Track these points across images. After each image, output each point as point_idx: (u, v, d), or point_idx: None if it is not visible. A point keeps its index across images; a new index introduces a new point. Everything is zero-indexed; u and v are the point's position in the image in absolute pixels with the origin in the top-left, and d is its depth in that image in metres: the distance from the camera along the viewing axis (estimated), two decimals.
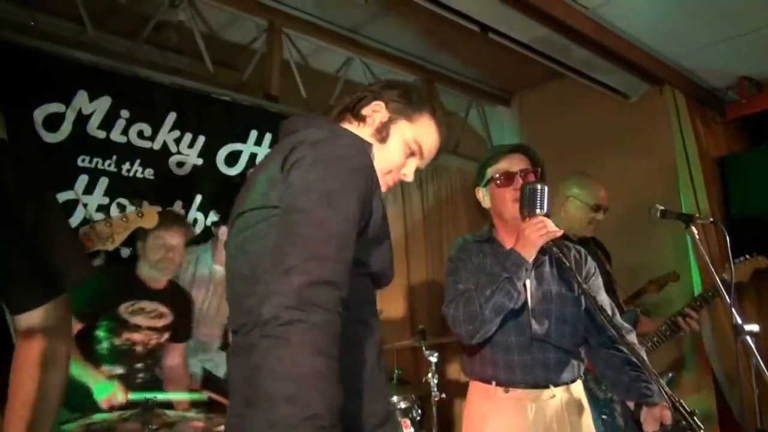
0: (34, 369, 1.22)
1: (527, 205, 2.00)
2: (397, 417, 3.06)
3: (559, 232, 1.99)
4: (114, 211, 3.12)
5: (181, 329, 3.07)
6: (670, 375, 3.35)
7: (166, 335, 2.98)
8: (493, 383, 2.12)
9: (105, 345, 2.79)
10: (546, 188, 1.99)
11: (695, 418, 1.56)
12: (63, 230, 1.32)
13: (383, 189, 1.48)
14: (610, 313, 2.05)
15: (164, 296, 2.96)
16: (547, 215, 2.01)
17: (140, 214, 2.42)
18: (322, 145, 1.26)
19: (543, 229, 1.96)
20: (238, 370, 1.26)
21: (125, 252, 2.90)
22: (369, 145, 1.37)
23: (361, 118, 1.53)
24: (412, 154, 1.55)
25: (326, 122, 1.51)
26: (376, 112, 1.53)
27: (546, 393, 2.09)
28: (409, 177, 1.57)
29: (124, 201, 3.18)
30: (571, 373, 2.15)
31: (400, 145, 1.53)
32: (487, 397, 2.13)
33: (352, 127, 1.52)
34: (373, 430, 1.24)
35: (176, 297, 3.04)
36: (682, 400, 1.59)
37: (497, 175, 2.19)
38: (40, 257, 1.23)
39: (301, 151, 1.25)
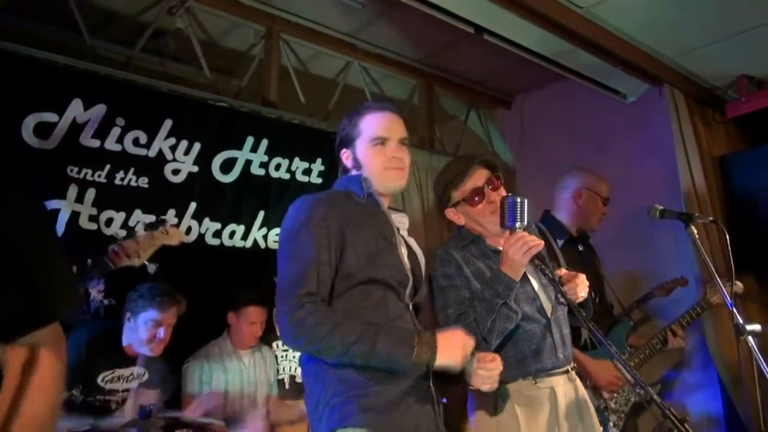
0: (34, 393, 1.18)
1: (507, 219, 2.02)
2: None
3: (541, 245, 2.01)
4: (102, 222, 3.12)
5: (154, 381, 3.03)
6: (658, 386, 3.37)
7: (140, 388, 2.97)
8: (521, 379, 2.14)
9: (78, 401, 2.75)
10: (525, 200, 2.02)
11: (686, 425, 1.58)
12: (54, 252, 1.29)
13: (399, 179, 1.96)
14: None
15: (143, 360, 2.94)
16: (525, 228, 2.04)
17: (165, 232, 2.58)
18: (288, 219, 1.86)
19: (524, 246, 1.98)
20: None
21: (151, 268, 2.92)
22: (320, 198, 1.88)
23: (346, 170, 2.03)
24: (382, 143, 1.95)
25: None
26: (347, 158, 2.01)
27: (569, 376, 2.19)
28: (401, 152, 1.97)
29: (112, 212, 3.16)
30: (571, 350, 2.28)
31: (370, 153, 1.95)
32: (513, 391, 2.12)
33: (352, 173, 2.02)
34: (387, 408, 1.68)
35: (155, 361, 2.98)
36: (672, 407, 1.61)
37: (467, 195, 2.24)
38: (33, 281, 1.19)
39: (281, 226, 1.89)
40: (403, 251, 1.90)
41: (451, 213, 2.32)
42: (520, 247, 1.98)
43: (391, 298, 1.81)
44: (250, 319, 3.37)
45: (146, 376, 2.98)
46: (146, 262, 2.60)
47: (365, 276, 1.78)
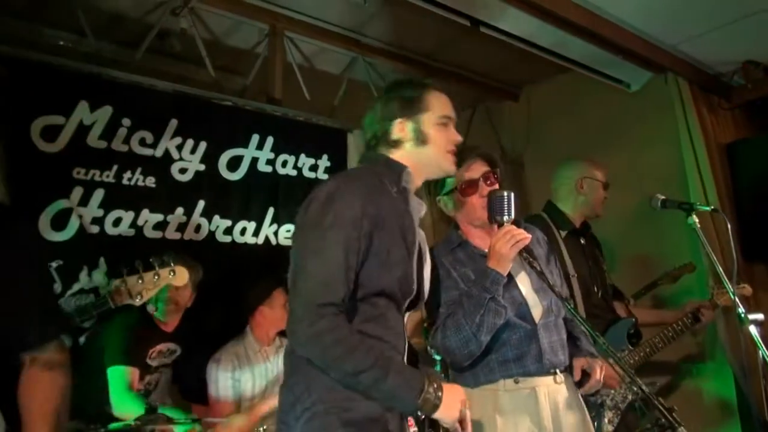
0: (41, 383, 1.71)
1: (495, 213, 2.05)
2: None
3: (528, 238, 2.04)
4: (108, 222, 3.18)
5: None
6: (657, 385, 3.37)
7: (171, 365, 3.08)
8: (502, 380, 2.14)
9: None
10: (513, 194, 2.05)
11: (674, 414, 1.59)
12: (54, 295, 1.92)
13: (451, 164, 1.90)
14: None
15: (176, 335, 3.04)
16: (515, 221, 2.07)
17: (172, 273, 2.51)
18: (317, 205, 1.69)
19: (512, 239, 2.01)
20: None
21: (151, 309, 2.96)
22: (357, 190, 1.71)
23: (398, 142, 1.87)
24: (445, 125, 1.88)
25: (368, 161, 1.93)
26: (402, 130, 1.86)
27: (555, 378, 2.16)
28: (458, 136, 1.91)
29: (120, 212, 3.21)
30: (566, 356, 2.22)
31: (437, 131, 1.86)
32: (495, 392, 2.14)
33: (394, 151, 1.87)
34: (366, 424, 1.62)
35: (185, 332, 3.08)
36: (661, 399, 1.62)
37: (461, 185, 2.23)
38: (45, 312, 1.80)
39: (302, 214, 1.73)
40: (415, 259, 1.81)
41: (441, 202, 2.31)
42: (507, 241, 2.00)
43: (391, 310, 1.75)
44: (281, 302, 3.28)
45: (179, 351, 3.06)
46: (147, 303, 2.59)
47: (377, 287, 1.69)
